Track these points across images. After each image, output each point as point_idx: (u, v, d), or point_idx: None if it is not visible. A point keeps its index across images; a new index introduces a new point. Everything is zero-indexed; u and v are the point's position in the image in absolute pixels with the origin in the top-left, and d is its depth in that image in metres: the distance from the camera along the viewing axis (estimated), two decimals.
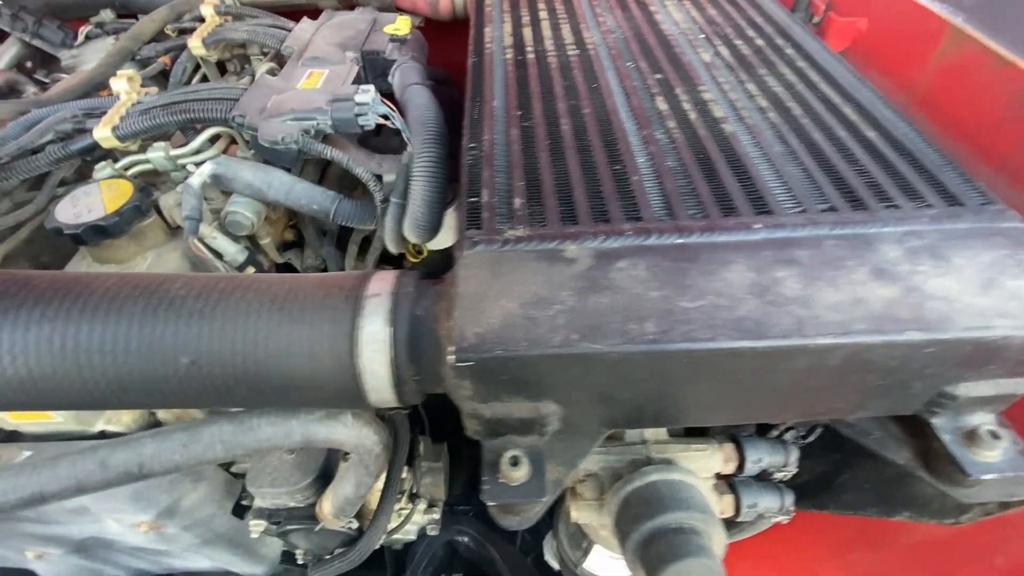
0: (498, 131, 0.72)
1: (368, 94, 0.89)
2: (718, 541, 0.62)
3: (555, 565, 1.13)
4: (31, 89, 1.21)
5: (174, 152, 0.90)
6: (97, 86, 1.10)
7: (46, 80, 1.26)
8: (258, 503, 0.90)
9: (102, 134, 0.85)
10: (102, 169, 0.90)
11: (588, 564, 0.92)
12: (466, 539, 1.57)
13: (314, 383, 0.52)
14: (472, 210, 0.59)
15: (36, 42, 1.25)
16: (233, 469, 1.02)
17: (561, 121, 0.72)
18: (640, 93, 0.77)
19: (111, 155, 0.91)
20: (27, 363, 0.48)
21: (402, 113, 0.93)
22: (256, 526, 0.90)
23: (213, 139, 0.93)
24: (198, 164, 0.90)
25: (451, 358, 0.46)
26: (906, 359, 0.47)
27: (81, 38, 1.28)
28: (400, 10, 1.36)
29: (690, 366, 0.47)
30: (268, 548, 1.19)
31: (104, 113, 0.89)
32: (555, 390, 0.50)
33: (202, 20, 1.17)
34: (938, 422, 0.54)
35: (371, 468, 0.69)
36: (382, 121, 0.90)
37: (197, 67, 1.15)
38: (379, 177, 0.98)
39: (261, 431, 0.59)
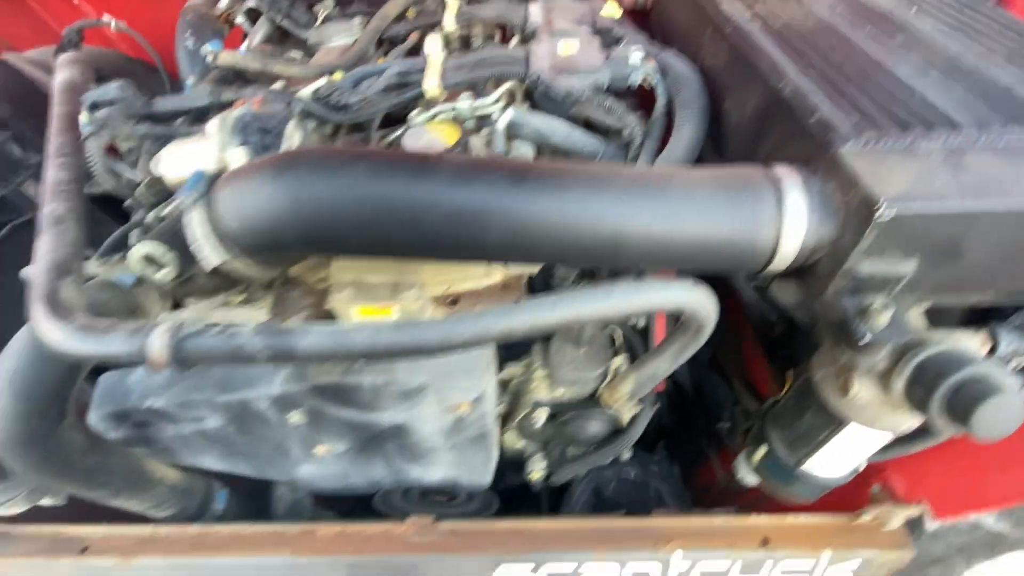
0: (791, 72, 0.89)
1: (638, 55, 1.08)
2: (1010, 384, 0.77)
3: (751, 481, 1.28)
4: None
5: (476, 103, 1.08)
6: (363, 57, 1.29)
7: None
8: (542, 396, 1.06)
9: (431, 84, 1.04)
10: (418, 115, 1.08)
11: (818, 457, 1.07)
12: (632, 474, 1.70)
13: (729, 247, 0.69)
14: (819, 122, 0.77)
15: (285, 23, 1.44)
16: None
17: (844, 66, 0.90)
18: (892, 46, 0.94)
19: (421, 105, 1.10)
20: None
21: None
22: (539, 414, 1.06)
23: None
24: (490, 114, 1.08)
25: (884, 210, 0.63)
26: None
27: (320, 19, 1.48)
28: None
29: None
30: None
31: (420, 71, 1.08)
32: (929, 248, 0.67)
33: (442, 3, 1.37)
34: None
35: (700, 335, 0.84)
36: (642, 80, 1.09)
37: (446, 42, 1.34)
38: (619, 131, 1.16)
39: (615, 297, 0.76)
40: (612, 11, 1.36)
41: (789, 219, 0.67)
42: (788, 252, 0.68)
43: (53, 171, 0.86)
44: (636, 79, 1.07)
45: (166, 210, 0.82)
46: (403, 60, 1.10)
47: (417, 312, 0.99)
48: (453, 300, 1.06)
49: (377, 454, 1.22)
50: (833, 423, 1.02)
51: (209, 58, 1.17)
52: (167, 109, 0.89)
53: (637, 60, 1.07)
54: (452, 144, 1.00)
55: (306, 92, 0.99)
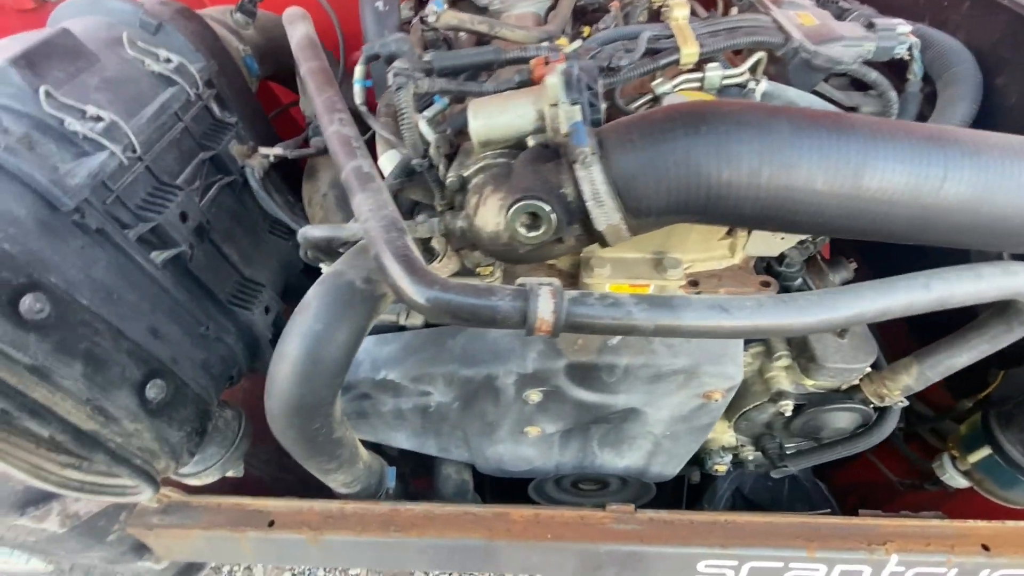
0: None
1: (906, 26, 1.01)
2: None
3: (959, 483, 1.22)
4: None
5: (727, 72, 1.02)
6: (565, 24, 1.24)
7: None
8: (786, 387, 1.01)
9: (689, 52, 0.98)
10: (660, 84, 1.02)
11: None
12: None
13: None
14: None
15: None
16: None
17: None
18: None
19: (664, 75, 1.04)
20: None
21: None
22: (785, 406, 1.01)
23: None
24: (740, 84, 1.02)
25: None
26: None
27: None
28: None
29: None
30: None
31: (668, 37, 1.01)
32: None
33: None
34: None
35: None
36: (904, 53, 1.02)
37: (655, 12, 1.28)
38: (854, 109, 1.10)
39: (985, 280, 0.70)
40: None
41: None
42: None
43: (336, 127, 0.82)
44: (901, 51, 1.01)
45: (471, 169, 0.77)
46: (651, 25, 1.04)
47: (673, 290, 0.94)
48: (693, 281, 1.01)
49: (579, 438, 1.18)
50: None
51: (432, 18, 1.11)
52: (448, 64, 0.84)
53: (905, 30, 1.00)
54: None
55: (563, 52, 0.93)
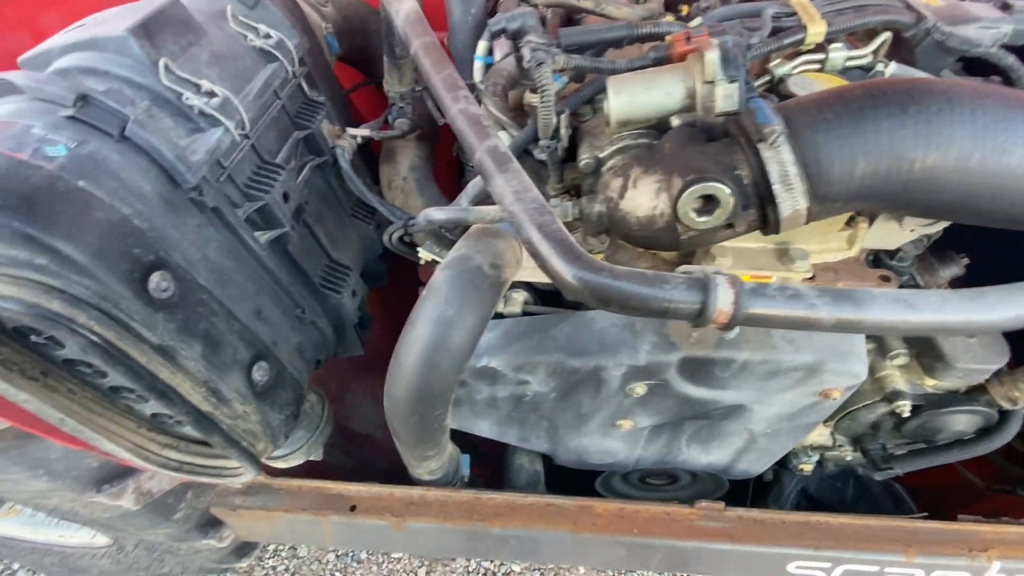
0: None
1: None
2: None
3: None
4: None
5: (851, 53, 0.97)
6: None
7: None
8: (902, 387, 0.97)
9: (816, 30, 0.93)
10: (779, 66, 0.97)
11: None
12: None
13: None
14: None
15: None
16: None
17: None
18: None
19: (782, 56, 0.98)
20: None
21: None
22: (902, 406, 0.97)
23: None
24: (864, 66, 0.97)
25: None
26: None
27: None
28: None
29: None
30: None
31: (791, 15, 0.96)
32: None
33: None
34: None
35: None
36: None
37: None
38: None
39: None
40: None
41: None
42: None
43: (462, 104, 0.78)
44: None
45: (608, 151, 0.74)
46: (770, 2, 0.99)
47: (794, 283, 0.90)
48: (810, 276, 0.97)
49: (669, 433, 1.15)
50: None
51: None
52: (576, 40, 0.80)
53: None
54: None
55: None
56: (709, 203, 0.60)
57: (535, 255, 0.61)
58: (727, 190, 0.58)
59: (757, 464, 1.22)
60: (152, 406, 0.80)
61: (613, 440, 1.18)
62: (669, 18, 1.09)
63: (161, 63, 0.79)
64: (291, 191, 0.99)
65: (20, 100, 0.73)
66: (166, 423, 0.90)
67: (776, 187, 0.56)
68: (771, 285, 0.57)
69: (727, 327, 0.56)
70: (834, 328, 0.58)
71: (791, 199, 0.57)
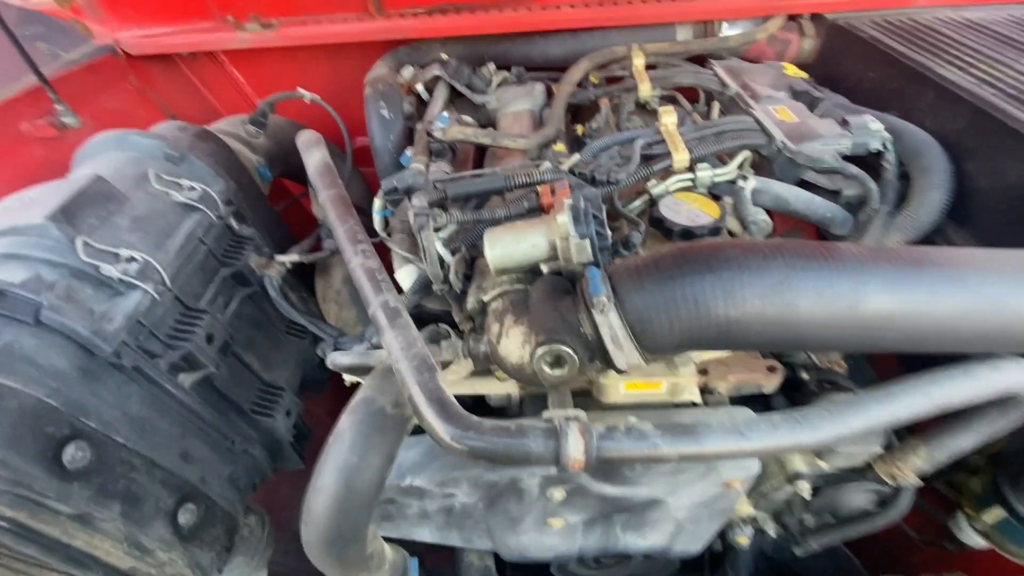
0: None
1: (877, 123, 1.10)
2: None
3: (977, 543, 1.23)
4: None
5: (716, 172, 1.09)
6: (560, 124, 1.32)
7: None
8: (802, 468, 1.04)
9: (680, 157, 1.05)
10: (655, 187, 1.09)
11: None
12: None
13: None
14: None
15: (465, 90, 1.48)
16: None
17: None
18: None
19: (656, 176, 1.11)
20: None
21: None
22: (802, 487, 1.04)
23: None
24: (729, 182, 1.10)
25: None
26: None
27: (495, 85, 1.51)
28: (747, 59, 1.59)
29: None
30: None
31: (660, 143, 1.09)
32: None
33: (628, 69, 1.41)
34: None
35: (1019, 416, 0.83)
36: (879, 147, 1.10)
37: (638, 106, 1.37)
38: (836, 192, 1.18)
39: (976, 379, 0.75)
40: (796, 72, 1.40)
41: None
42: None
43: (360, 259, 0.87)
44: (876, 145, 1.09)
45: (490, 295, 0.82)
46: (640, 131, 1.12)
47: (684, 385, 0.98)
48: (703, 369, 1.05)
49: (602, 524, 1.19)
50: None
51: (437, 132, 1.19)
52: (461, 192, 0.90)
53: (877, 126, 1.08)
54: (716, 216, 1.00)
55: (565, 167, 1.01)
56: (560, 359, 0.68)
57: (415, 410, 0.68)
58: (571, 351, 0.66)
59: (693, 545, 1.26)
60: (75, 573, 0.81)
61: (550, 537, 1.22)
62: (560, 147, 1.22)
63: (79, 242, 0.86)
64: (216, 331, 1.04)
65: None
66: None
67: (609, 346, 0.64)
68: (619, 428, 0.65)
69: (585, 470, 0.63)
70: (678, 460, 0.65)
71: (622, 355, 0.65)
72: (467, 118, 1.42)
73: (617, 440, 0.63)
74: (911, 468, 0.95)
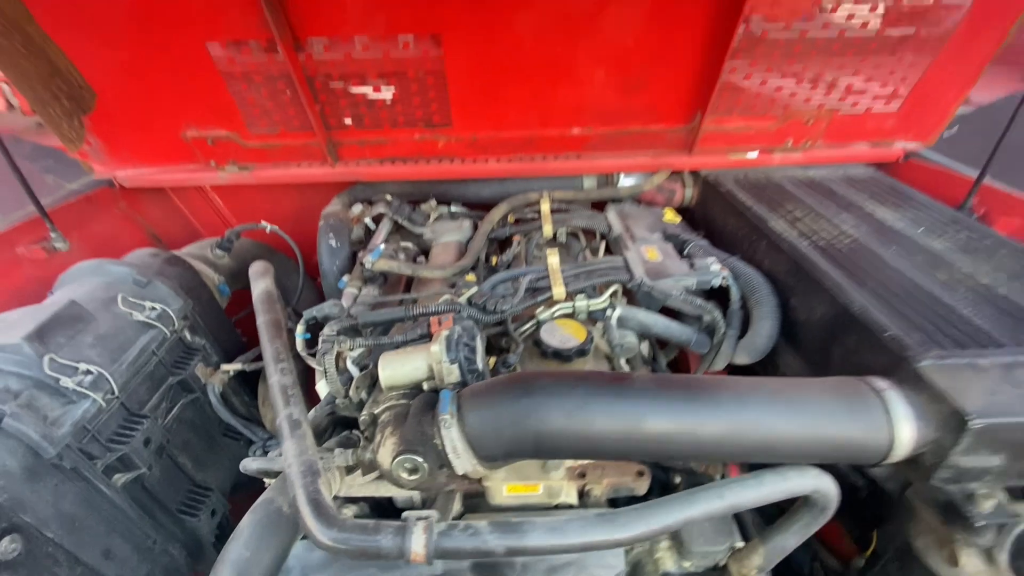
0: (852, 289, 1.16)
1: (717, 264, 1.37)
2: None
3: None
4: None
5: (590, 302, 1.34)
6: (478, 255, 1.59)
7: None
8: (671, 568, 1.16)
9: (559, 291, 1.30)
10: (542, 313, 1.32)
11: None
12: None
13: (849, 444, 0.88)
14: (892, 339, 1.00)
15: (405, 223, 1.76)
16: None
17: (888, 284, 1.17)
18: (918, 263, 1.23)
19: (544, 305, 1.35)
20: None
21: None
22: None
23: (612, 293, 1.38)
24: (602, 310, 1.33)
25: (974, 422, 0.83)
26: None
27: (432, 220, 1.81)
28: (642, 202, 1.93)
29: None
30: None
31: (545, 278, 1.34)
32: (1011, 447, 0.86)
33: (538, 211, 1.71)
34: None
35: (825, 513, 0.99)
36: (719, 283, 1.37)
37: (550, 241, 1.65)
38: (699, 318, 1.42)
39: (767, 485, 0.92)
40: (673, 217, 1.71)
41: (900, 426, 0.86)
42: (902, 452, 0.87)
43: (278, 376, 1.05)
44: (716, 282, 1.35)
45: (380, 408, 1.00)
46: (530, 268, 1.38)
47: (559, 488, 1.13)
48: (581, 472, 1.21)
49: None
50: None
51: (368, 264, 1.44)
52: (369, 321, 1.11)
53: (716, 268, 1.35)
54: (583, 339, 1.22)
55: (463, 299, 1.24)
56: (416, 468, 0.85)
57: (296, 508, 0.83)
58: (421, 460, 0.84)
59: None
60: None
61: None
62: (471, 277, 1.47)
63: (46, 359, 1.04)
64: (154, 435, 1.19)
65: None
66: None
67: (450, 456, 0.82)
68: (458, 525, 0.80)
69: (426, 563, 0.78)
70: (506, 554, 0.80)
71: (461, 464, 0.83)
72: (408, 244, 1.69)
73: (454, 537, 0.79)
74: (754, 567, 1.09)
